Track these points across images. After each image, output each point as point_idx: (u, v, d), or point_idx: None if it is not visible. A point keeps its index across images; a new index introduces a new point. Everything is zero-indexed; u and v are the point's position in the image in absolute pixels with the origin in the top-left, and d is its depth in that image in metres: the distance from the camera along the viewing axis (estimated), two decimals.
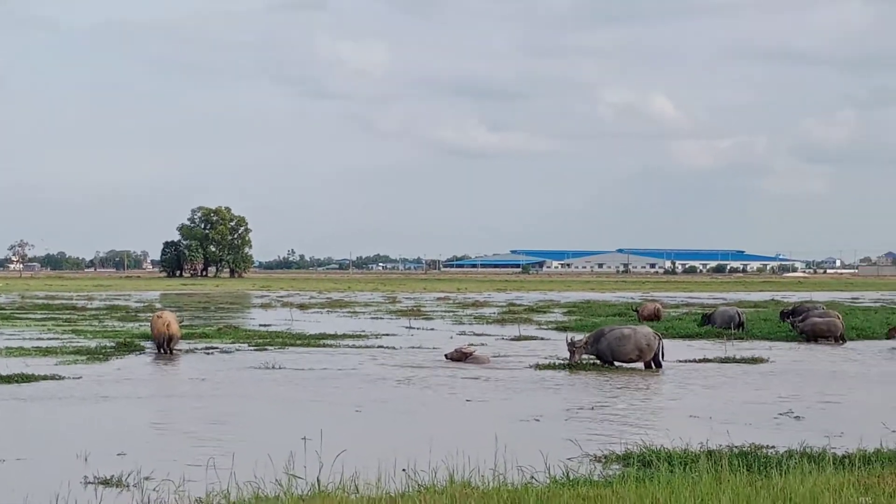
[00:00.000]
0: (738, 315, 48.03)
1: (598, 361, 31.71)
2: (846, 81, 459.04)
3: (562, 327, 47.88)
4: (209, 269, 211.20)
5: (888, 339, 42.24)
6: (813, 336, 42.00)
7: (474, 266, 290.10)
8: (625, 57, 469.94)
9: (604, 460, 16.53)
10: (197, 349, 37.28)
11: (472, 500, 11.25)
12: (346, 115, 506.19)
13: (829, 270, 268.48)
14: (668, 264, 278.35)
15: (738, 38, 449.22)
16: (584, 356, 31.87)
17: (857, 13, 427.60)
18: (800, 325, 43.20)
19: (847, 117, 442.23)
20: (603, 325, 35.60)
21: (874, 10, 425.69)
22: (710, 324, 47.38)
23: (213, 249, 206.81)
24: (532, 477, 13.57)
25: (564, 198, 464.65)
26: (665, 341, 32.64)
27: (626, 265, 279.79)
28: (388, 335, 44.95)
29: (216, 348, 37.65)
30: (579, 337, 33.53)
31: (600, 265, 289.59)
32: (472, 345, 36.76)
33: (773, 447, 17.18)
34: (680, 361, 33.37)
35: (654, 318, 52.42)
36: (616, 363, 31.62)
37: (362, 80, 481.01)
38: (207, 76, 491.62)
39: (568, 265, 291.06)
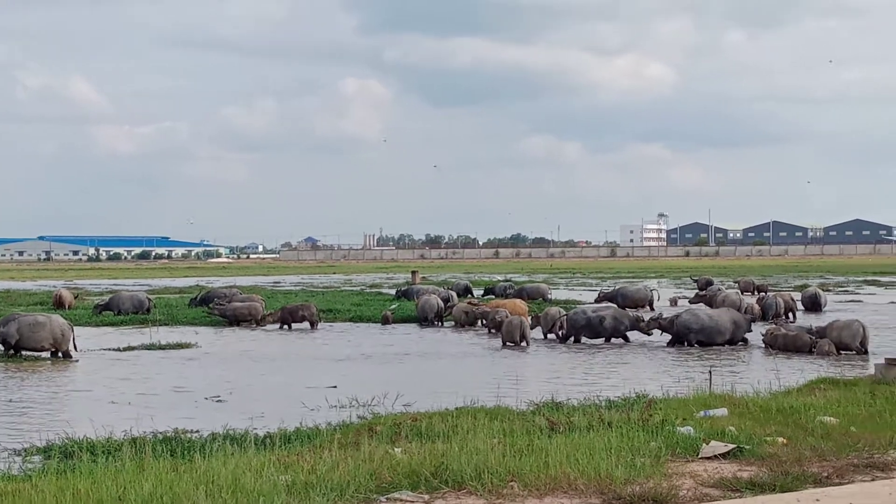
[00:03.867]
0: (148, 300, 48.58)
1: (8, 350, 30.37)
2: (266, 70, 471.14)
3: None
4: None
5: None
6: (235, 320, 42.93)
7: None
8: (46, 39, 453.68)
9: (24, 454, 15.88)
10: None
11: None
12: None
13: (252, 255, 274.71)
14: (91, 251, 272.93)
15: (162, 25, 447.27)
16: None
17: (274, 4, 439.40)
18: (219, 310, 44.06)
19: (268, 105, 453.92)
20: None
21: (289, 1, 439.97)
22: (110, 310, 47.30)
23: None
24: None
25: None
26: (91, 330, 31.92)
27: (48, 253, 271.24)
28: None
29: None
30: None
31: (21, 253, 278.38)
32: None
33: (197, 431, 17.31)
34: (105, 350, 32.88)
35: (59, 305, 51.42)
36: (27, 351, 30.45)
37: None
38: None
39: None
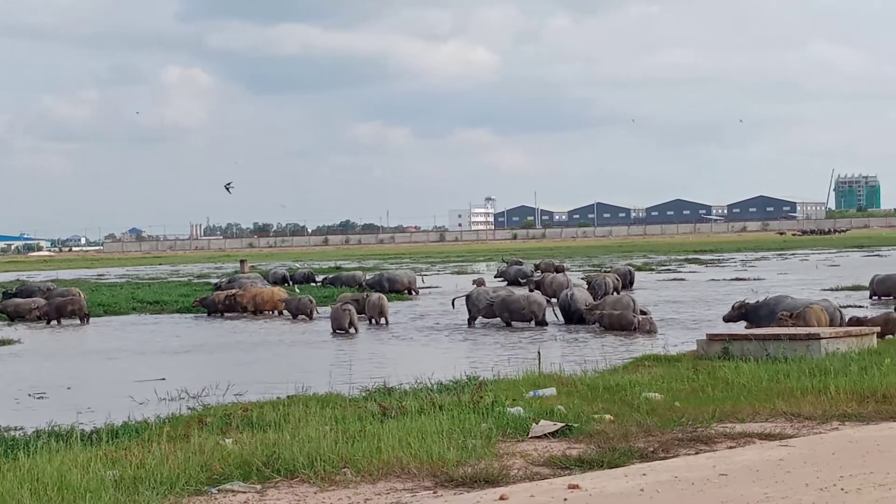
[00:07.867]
0: None
1: None
2: (86, 59, 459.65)
3: None
4: None
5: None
6: (17, 316, 41.72)
7: None
8: None
9: None
10: None
11: None
12: None
13: (74, 248, 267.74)
14: None
15: None
16: None
17: None
18: (4, 304, 42.89)
19: (89, 95, 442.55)
20: None
21: None
22: None
23: None
24: None
25: None
26: None
27: None
28: None
29: None
30: None
31: None
32: None
33: (21, 428, 16.85)
34: None
35: None
36: None
37: None
38: None
39: None
